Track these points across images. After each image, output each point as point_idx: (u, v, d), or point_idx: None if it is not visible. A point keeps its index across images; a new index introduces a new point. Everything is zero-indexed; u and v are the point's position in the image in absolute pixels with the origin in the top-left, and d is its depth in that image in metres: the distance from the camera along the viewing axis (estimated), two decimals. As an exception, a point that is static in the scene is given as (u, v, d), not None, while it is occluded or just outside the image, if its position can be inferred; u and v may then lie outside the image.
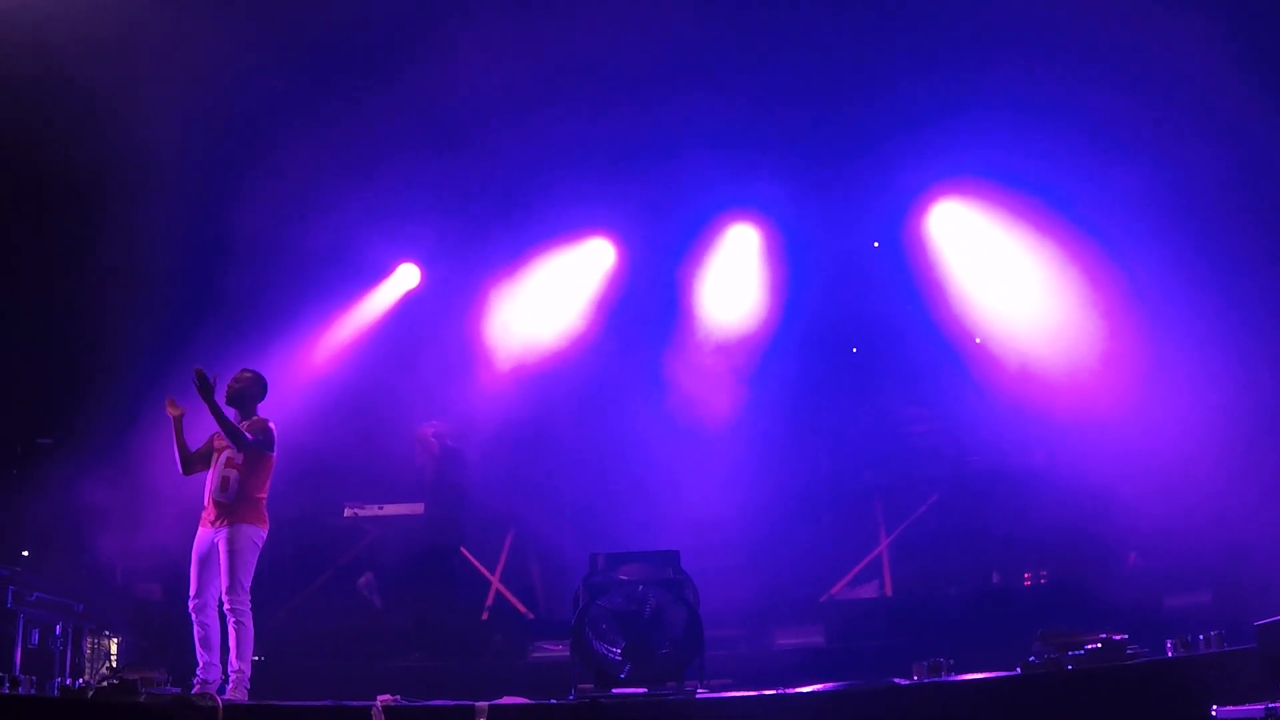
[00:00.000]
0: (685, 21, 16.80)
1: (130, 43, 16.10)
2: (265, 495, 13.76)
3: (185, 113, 16.92)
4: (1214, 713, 10.06)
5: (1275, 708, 9.57)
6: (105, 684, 12.50)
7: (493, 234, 19.64)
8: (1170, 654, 11.60)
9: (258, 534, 13.58)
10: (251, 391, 14.02)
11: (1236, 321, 16.64)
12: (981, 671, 12.27)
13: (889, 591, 17.96)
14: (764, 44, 17.46)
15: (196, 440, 13.98)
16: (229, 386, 13.88)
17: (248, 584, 13.43)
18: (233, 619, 13.26)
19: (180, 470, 13.92)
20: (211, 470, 13.73)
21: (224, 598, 13.30)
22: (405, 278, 20.55)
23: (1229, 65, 15.75)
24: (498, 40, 16.87)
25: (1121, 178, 17.23)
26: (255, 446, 13.61)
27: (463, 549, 18.70)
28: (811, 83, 17.76)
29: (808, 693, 12.15)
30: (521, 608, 18.24)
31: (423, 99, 17.66)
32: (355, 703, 12.15)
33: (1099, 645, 11.52)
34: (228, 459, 13.63)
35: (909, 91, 17.53)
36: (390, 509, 18.66)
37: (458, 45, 16.93)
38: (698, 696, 12.32)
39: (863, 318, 19.29)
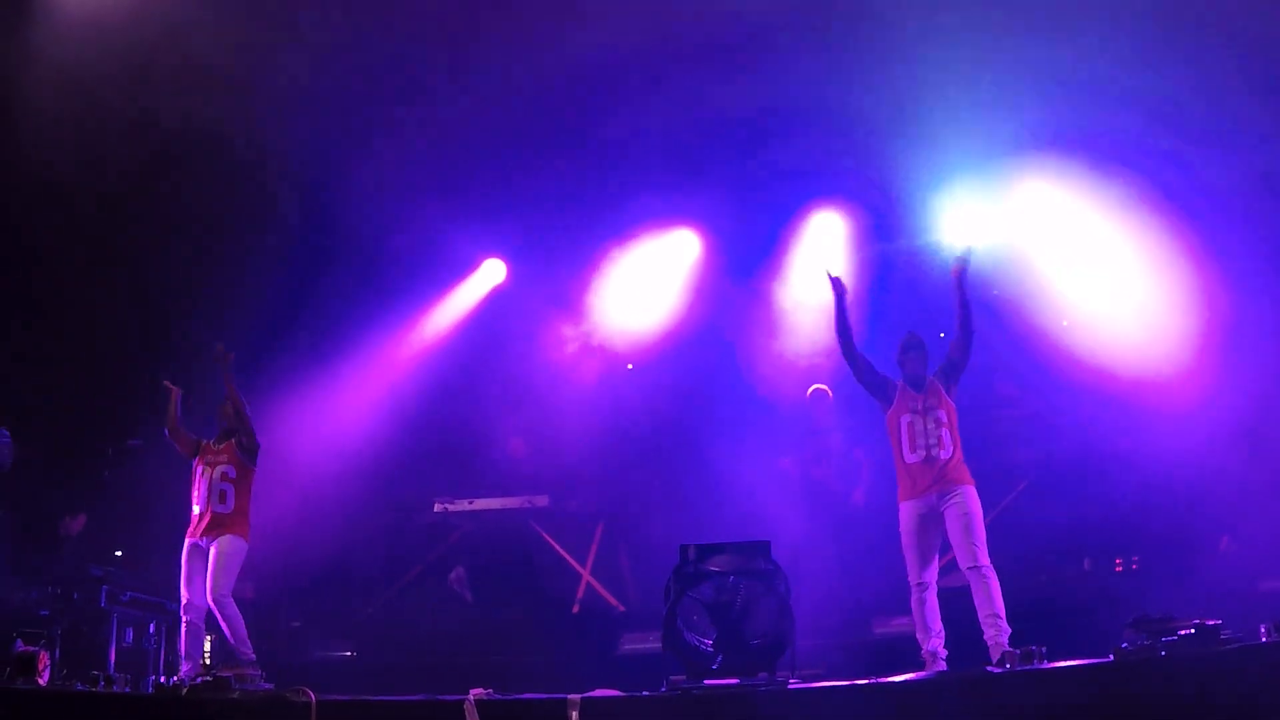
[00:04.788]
0: (773, 10, 16.79)
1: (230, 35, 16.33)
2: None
3: (269, 122, 17.11)
4: (1309, 697, 10.01)
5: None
6: (199, 681, 12.61)
7: (578, 228, 19.65)
8: (1264, 639, 11.51)
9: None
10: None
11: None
12: (1074, 659, 12.23)
13: (981, 579, 17.90)
14: (844, 29, 17.36)
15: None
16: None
17: None
18: None
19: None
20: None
21: None
22: (491, 273, 20.62)
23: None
24: (583, 34, 16.89)
25: (1209, 162, 17.12)
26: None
27: (552, 541, 18.80)
28: (889, 65, 17.65)
29: (900, 681, 12.12)
30: (612, 600, 18.26)
31: (507, 94, 17.71)
32: (448, 697, 12.20)
33: (1192, 631, 11.44)
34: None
35: (990, 66, 17.31)
36: (480, 503, 18.78)
37: (542, 42, 16.99)
38: (790, 687, 12.29)
39: (949, 303, 19.17)
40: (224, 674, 12.62)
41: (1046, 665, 12.14)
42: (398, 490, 19.02)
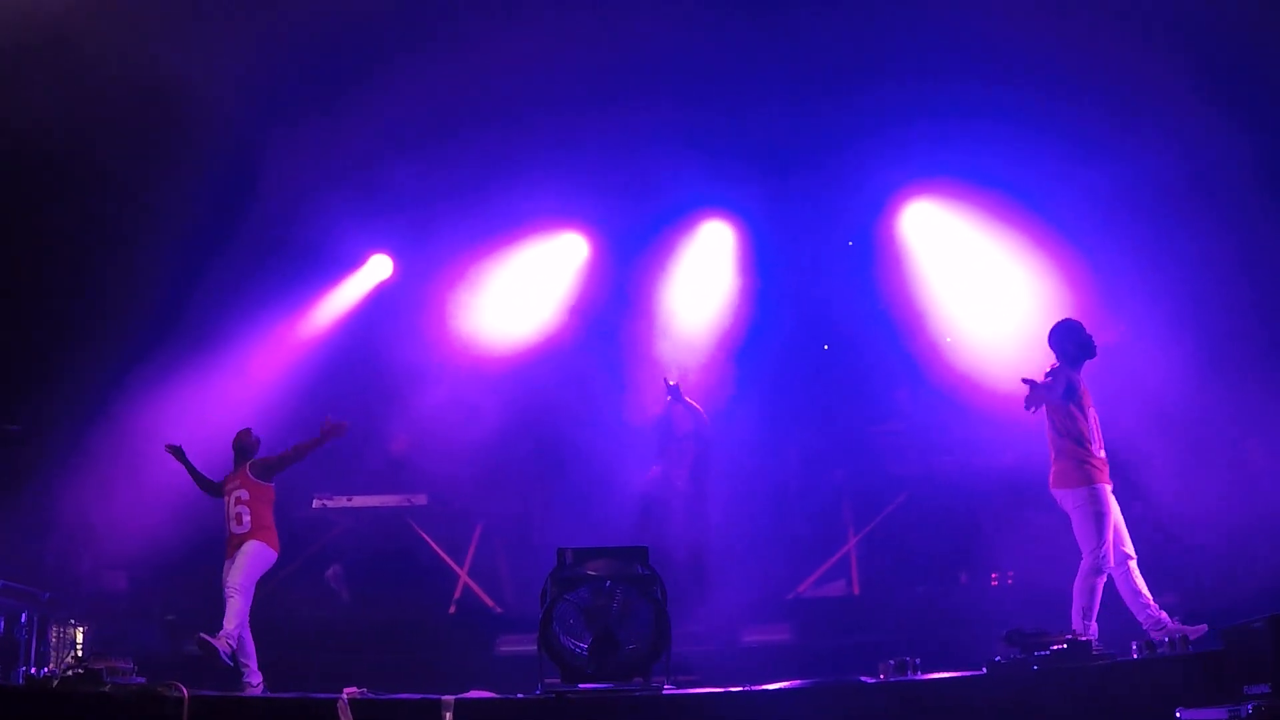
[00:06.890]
0: (660, 23, 16.86)
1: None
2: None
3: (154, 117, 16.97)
4: (1178, 715, 10.13)
5: (1239, 710, 9.63)
6: (70, 673, 12.48)
7: (466, 227, 19.59)
8: (1135, 655, 11.67)
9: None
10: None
11: (1198, 319, 16.78)
12: (948, 671, 12.33)
13: (856, 590, 17.99)
14: (739, 46, 17.48)
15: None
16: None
17: None
18: None
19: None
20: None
21: None
22: (378, 268, 20.52)
23: (1182, 76, 16.03)
24: (478, 41, 16.90)
25: (1086, 178, 17.48)
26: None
27: (430, 540, 18.72)
28: (785, 85, 17.84)
29: (774, 690, 12.19)
30: (489, 601, 18.22)
31: (402, 93, 17.63)
32: (321, 695, 12.15)
33: (1065, 646, 11.59)
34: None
35: (881, 94, 17.62)
36: (359, 500, 18.68)
37: (437, 44, 16.96)
38: (664, 693, 12.32)
39: (834, 317, 19.30)
40: (95, 666, 12.50)
41: (920, 676, 12.25)
42: (276, 484, 18.88)
